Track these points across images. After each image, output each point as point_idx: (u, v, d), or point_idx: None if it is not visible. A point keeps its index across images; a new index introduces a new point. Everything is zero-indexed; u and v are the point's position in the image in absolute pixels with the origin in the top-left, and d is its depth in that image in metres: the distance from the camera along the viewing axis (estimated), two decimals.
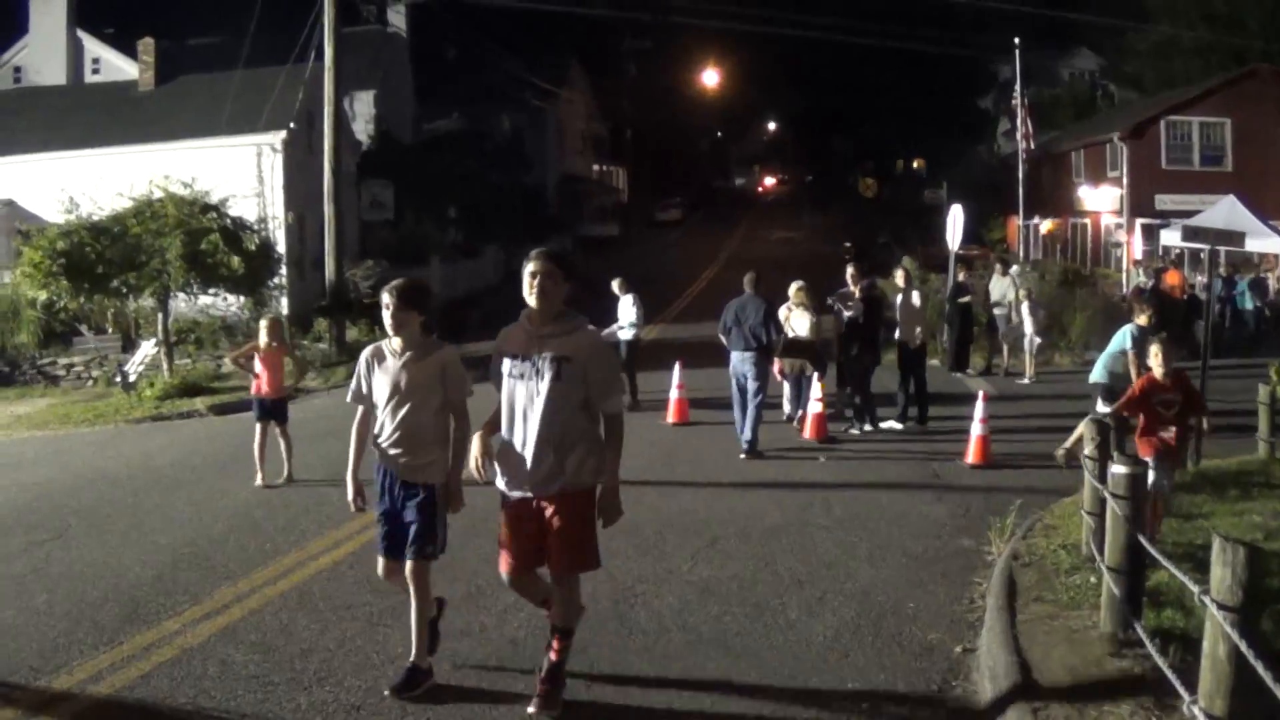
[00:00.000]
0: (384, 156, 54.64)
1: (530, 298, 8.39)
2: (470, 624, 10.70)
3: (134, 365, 34.37)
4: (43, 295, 34.08)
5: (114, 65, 52.25)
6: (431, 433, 9.07)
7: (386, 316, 8.99)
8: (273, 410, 18.35)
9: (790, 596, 11.34)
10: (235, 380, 32.79)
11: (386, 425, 9.05)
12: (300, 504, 16.61)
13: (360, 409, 9.34)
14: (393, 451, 9.06)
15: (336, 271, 37.41)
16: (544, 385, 8.28)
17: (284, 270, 37.13)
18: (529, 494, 8.37)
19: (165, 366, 33.73)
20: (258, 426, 18.29)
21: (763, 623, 10.57)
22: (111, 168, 38.44)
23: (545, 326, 8.42)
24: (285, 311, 37.95)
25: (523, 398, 8.38)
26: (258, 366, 18.23)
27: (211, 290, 34.64)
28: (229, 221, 34.21)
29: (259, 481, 17.99)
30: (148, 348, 36.16)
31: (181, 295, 34.66)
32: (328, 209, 36.64)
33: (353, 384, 9.33)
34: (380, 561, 9.25)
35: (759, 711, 8.61)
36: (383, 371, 9.13)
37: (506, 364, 8.52)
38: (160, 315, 34.32)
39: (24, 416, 31.02)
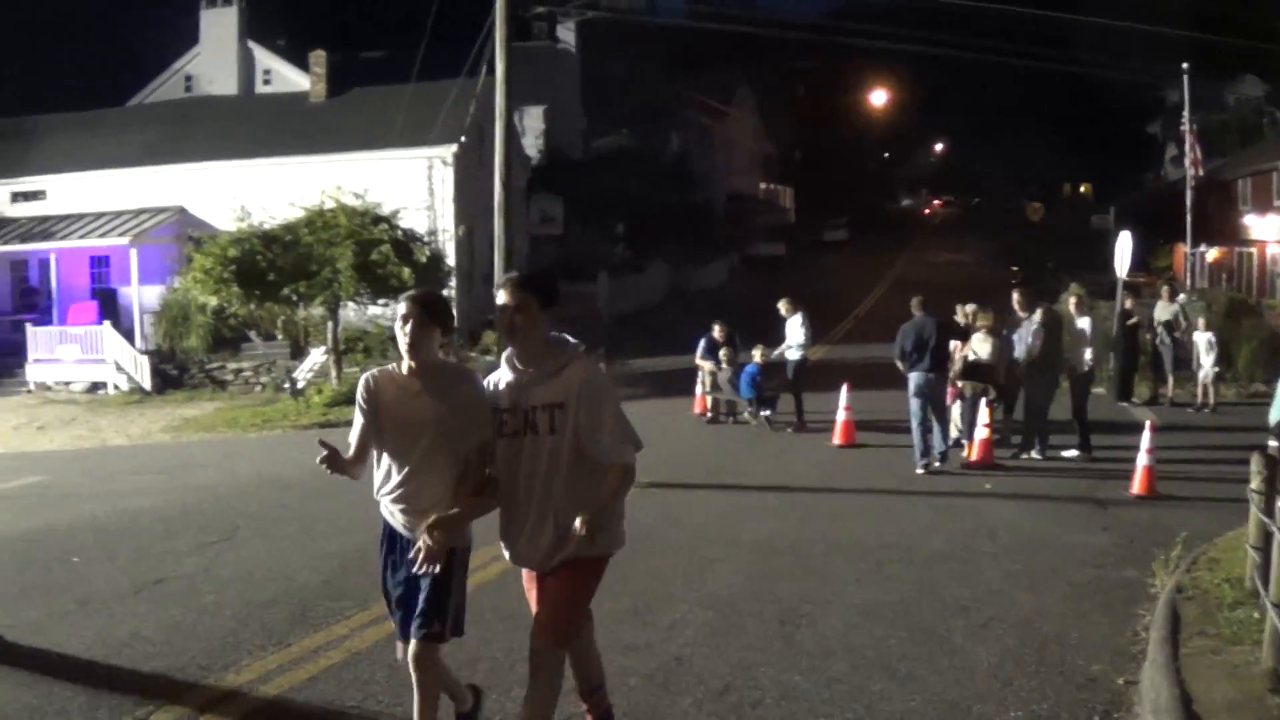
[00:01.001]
0: (553, 172, 54.77)
1: (507, 336, 7.10)
2: (636, 639, 10.59)
3: (303, 372, 34.73)
4: (213, 301, 34.64)
5: (285, 77, 53.04)
6: (446, 482, 7.34)
7: (402, 332, 7.22)
8: None
9: (955, 622, 11.13)
10: None
11: (392, 473, 7.37)
12: None
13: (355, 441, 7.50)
14: (399, 507, 7.44)
15: None
16: (538, 442, 7.03)
17: (453, 283, 37.33)
18: (539, 570, 7.33)
19: (334, 374, 34.10)
20: None
21: (927, 648, 10.35)
22: (282, 177, 39.06)
23: (529, 368, 7.15)
24: (454, 324, 37.64)
25: (517, 460, 7.11)
26: None
27: (381, 300, 34.85)
28: (400, 233, 34.52)
29: None
30: (317, 355, 36.69)
31: (351, 305, 34.98)
32: (498, 223, 36.34)
33: (355, 419, 7.47)
34: (399, 646, 7.68)
35: None
36: (389, 404, 7.40)
37: (499, 420, 7.19)
38: (330, 324, 34.70)
39: (192, 419, 31.66)
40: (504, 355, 7.22)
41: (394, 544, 7.56)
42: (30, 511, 18.16)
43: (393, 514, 7.44)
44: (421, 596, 7.29)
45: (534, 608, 7.45)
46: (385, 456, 7.35)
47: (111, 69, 57.04)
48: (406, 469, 7.28)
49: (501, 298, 6.99)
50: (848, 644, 10.41)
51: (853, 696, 9.07)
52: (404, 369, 7.32)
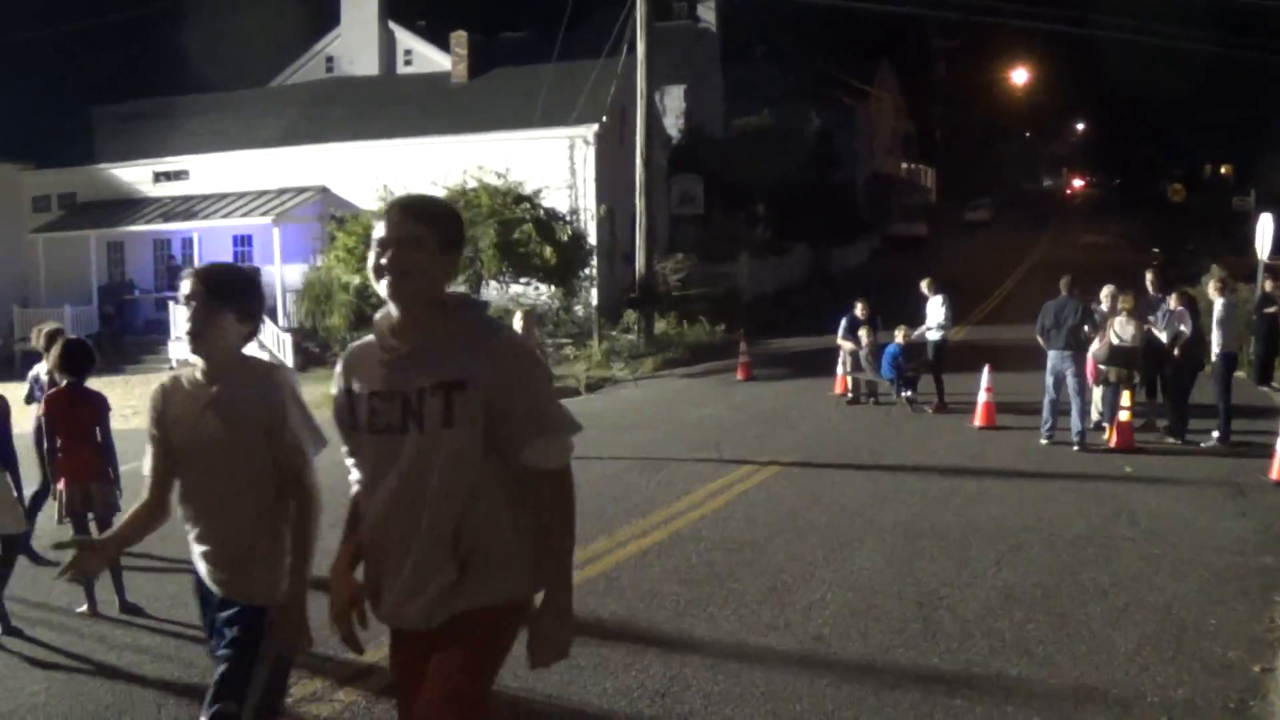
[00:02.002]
0: (694, 152, 54.37)
1: (381, 285, 4.77)
2: (776, 619, 10.64)
3: None
4: (355, 279, 34.73)
5: (426, 57, 53.20)
6: (254, 522, 5.64)
7: (183, 317, 5.56)
8: None
9: (1093, 607, 10.99)
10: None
11: (187, 506, 5.69)
12: (609, 491, 16.67)
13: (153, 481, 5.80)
14: (199, 549, 5.70)
15: (647, 265, 37.25)
16: (423, 439, 4.73)
17: (595, 262, 37.29)
18: (419, 628, 4.88)
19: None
20: None
21: (1065, 632, 10.26)
22: (423, 157, 39.24)
23: (416, 335, 4.81)
24: (595, 303, 38.08)
25: (390, 465, 4.83)
26: None
27: (523, 279, 34.97)
28: (542, 212, 34.55)
29: None
30: None
31: (494, 283, 34.99)
32: (639, 203, 36.51)
33: (147, 445, 5.80)
34: None
35: (1059, 714, 8.46)
36: (176, 420, 5.68)
37: (360, 409, 4.93)
38: None
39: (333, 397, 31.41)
40: (376, 320, 4.90)
41: (206, 603, 5.84)
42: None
43: (198, 564, 5.73)
44: (218, 670, 5.51)
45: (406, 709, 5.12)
46: (181, 482, 5.68)
47: (253, 51, 57.63)
48: (204, 502, 5.63)
49: (380, 230, 4.75)
50: (986, 627, 10.40)
51: (991, 680, 9.11)
52: (197, 372, 5.66)
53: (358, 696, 9.08)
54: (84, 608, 11.19)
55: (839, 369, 26.59)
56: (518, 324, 19.03)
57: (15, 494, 11.02)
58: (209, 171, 45.90)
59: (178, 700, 9.07)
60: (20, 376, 39.23)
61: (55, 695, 9.31)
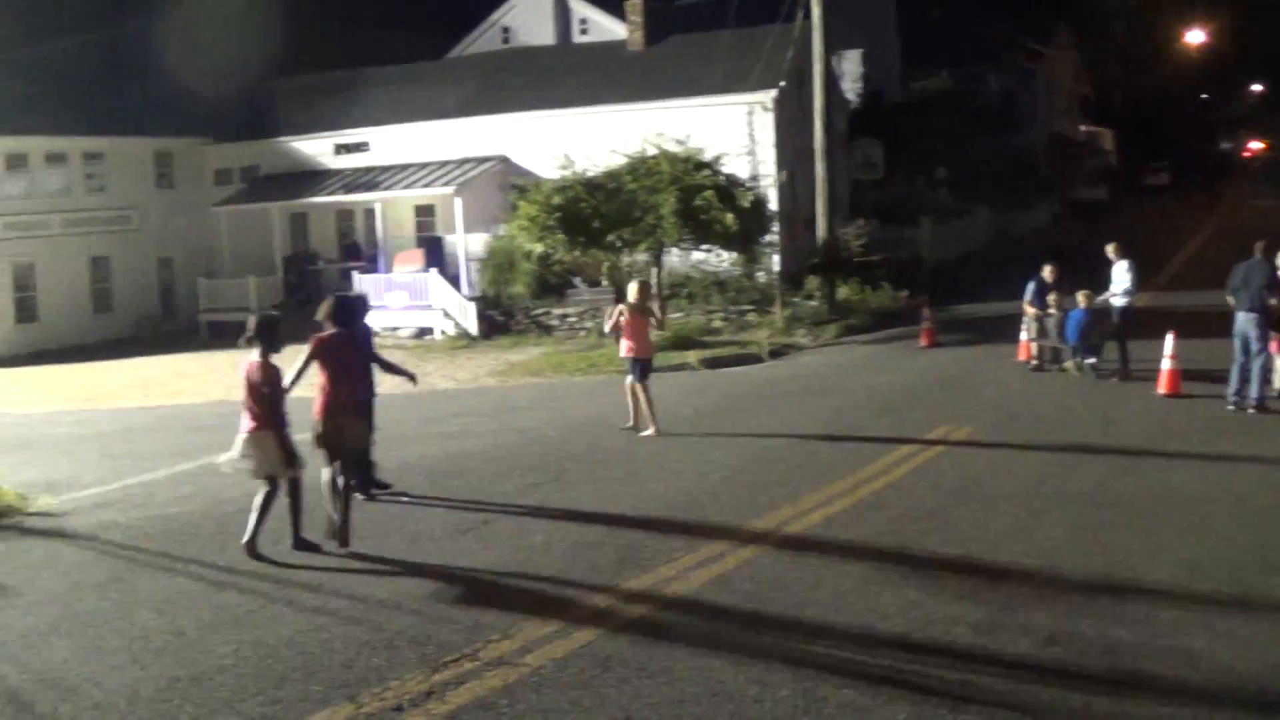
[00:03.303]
0: (872, 116, 54.06)
1: None
2: (963, 588, 10.90)
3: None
4: (538, 248, 35.33)
5: (602, 26, 53.26)
6: None
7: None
8: (648, 366, 19.87)
9: (1278, 579, 10.90)
10: (726, 335, 33.77)
11: None
12: (792, 459, 17.03)
13: None
14: None
15: (828, 230, 36.95)
16: None
17: (776, 228, 37.10)
18: None
19: (658, 320, 33.74)
20: (631, 382, 19.73)
21: (1249, 606, 10.25)
22: (601, 126, 39.51)
23: None
24: (777, 269, 37.98)
25: None
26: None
27: (704, 246, 35.10)
28: (722, 179, 34.44)
29: (642, 429, 19.58)
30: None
31: (675, 250, 35.28)
32: (819, 167, 36.33)
33: None
34: None
35: (1242, 687, 8.52)
36: None
37: None
38: (654, 269, 34.83)
39: (518, 364, 32.49)
40: None
41: None
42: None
43: None
44: None
45: None
46: None
47: (430, 22, 58.14)
48: None
49: None
50: (1171, 599, 10.44)
51: (1174, 652, 9.13)
52: None
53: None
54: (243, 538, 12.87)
55: (1023, 334, 26.21)
56: (632, 294, 19.80)
57: (285, 447, 12.83)
58: (389, 143, 46.62)
59: (366, 664, 9.47)
60: (206, 347, 40.73)
61: (243, 658, 9.79)
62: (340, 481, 13.15)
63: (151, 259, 49.70)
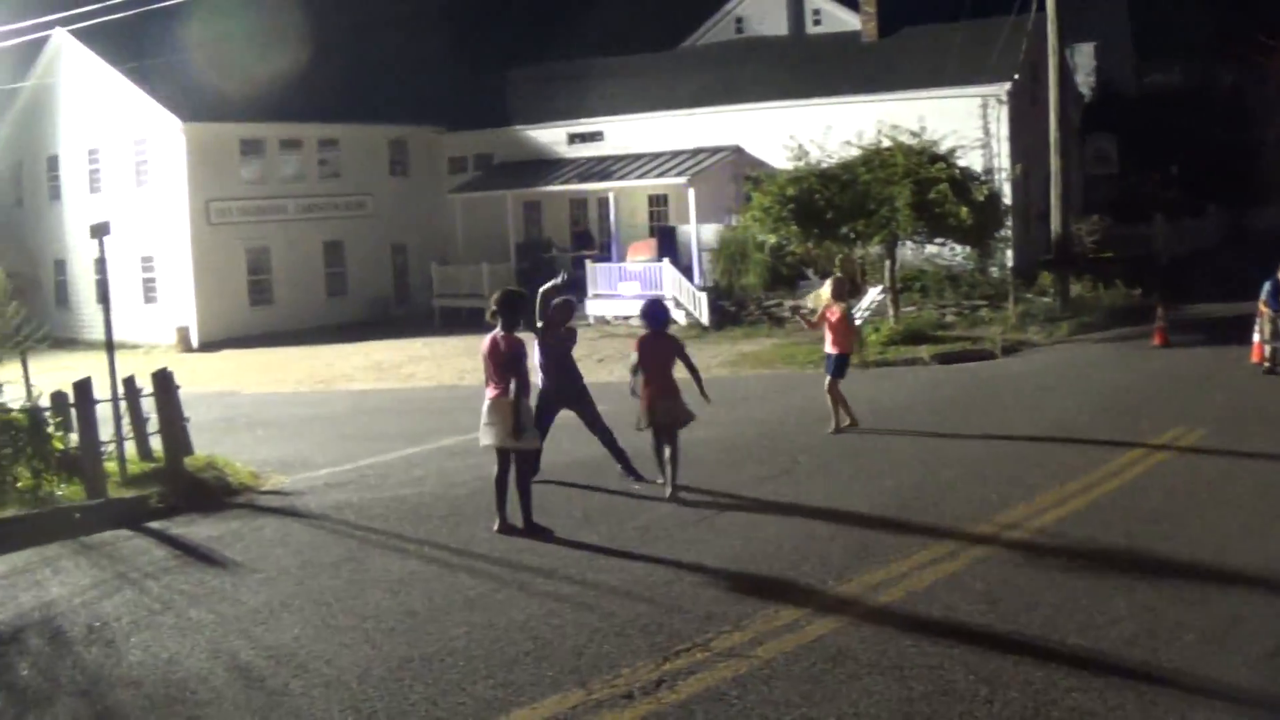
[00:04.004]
0: (1105, 110, 53.81)
1: None
2: (1193, 593, 10.80)
3: (860, 310, 35.16)
4: (771, 239, 36.07)
5: (835, 16, 53.52)
6: None
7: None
8: (847, 361, 20.03)
9: None
10: (958, 330, 33.88)
11: None
12: (1028, 458, 16.97)
13: None
14: None
15: (1062, 225, 36.89)
16: None
17: (1009, 223, 37.07)
18: None
19: (891, 313, 34.61)
20: (830, 380, 19.70)
21: None
22: (836, 117, 39.58)
23: None
24: (1010, 264, 38.21)
25: None
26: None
27: (938, 240, 35.20)
28: (957, 172, 34.45)
29: (830, 429, 19.60)
30: (873, 294, 37.34)
31: (908, 244, 35.49)
32: (1054, 162, 36.42)
33: None
34: None
35: None
36: None
37: None
38: (887, 262, 35.19)
39: (750, 354, 33.00)
40: None
41: None
42: (590, 440, 19.04)
43: None
44: None
45: None
46: None
47: (663, 13, 58.79)
48: None
49: None
50: None
51: None
52: None
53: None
54: (496, 525, 13.87)
55: (1255, 336, 25.72)
56: (826, 289, 20.13)
57: (519, 418, 13.54)
58: (623, 133, 47.63)
59: (597, 651, 9.71)
60: (439, 332, 41.92)
61: (475, 640, 10.15)
62: (668, 452, 15.36)
63: (385, 245, 51.72)
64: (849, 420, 19.61)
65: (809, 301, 35.22)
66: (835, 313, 19.72)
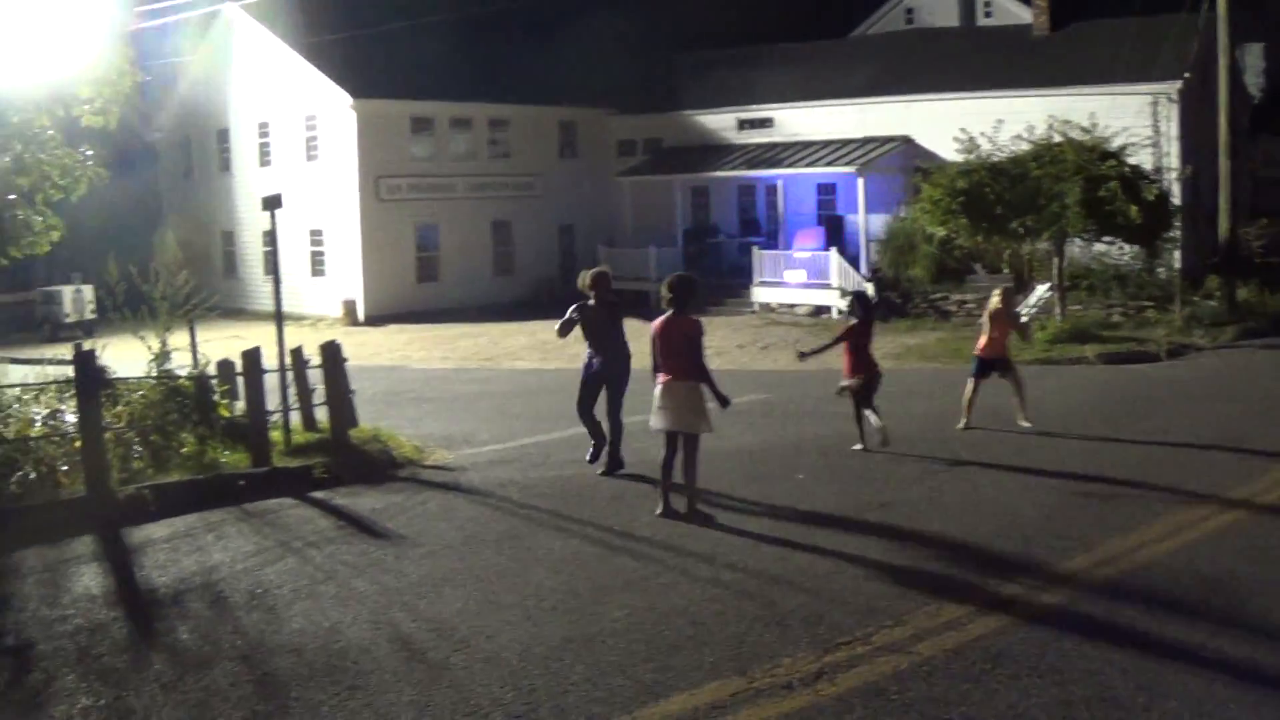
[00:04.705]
0: (1273, 111, 53.95)
1: None
2: None
3: (1026, 307, 35.94)
4: (940, 231, 36.69)
5: (1005, 9, 54.51)
6: None
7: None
8: (991, 366, 20.17)
9: None
10: (1125, 330, 34.07)
11: None
12: (1190, 465, 16.77)
13: None
14: None
15: (1230, 228, 36.99)
16: None
17: (1178, 224, 37.24)
18: None
19: (1057, 310, 35.20)
20: (970, 380, 20.09)
21: None
22: (1006, 110, 39.73)
23: None
24: (1178, 266, 38.45)
25: None
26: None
27: (1106, 238, 35.66)
28: (1128, 170, 34.81)
29: (959, 425, 19.88)
30: (1041, 291, 37.83)
31: (1077, 241, 35.92)
32: (1223, 164, 36.56)
33: None
34: None
35: None
36: None
37: None
38: (1055, 260, 35.71)
39: (914, 348, 33.86)
40: None
41: None
42: (755, 428, 19.98)
43: None
44: None
45: None
46: None
47: (834, 1, 59.91)
48: None
49: None
50: None
51: None
52: None
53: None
54: (659, 509, 14.36)
55: None
56: (995, 300, 20.39)
57: (700, 400, 14.19)
58: (792, 120, 48.76)
59: (757, 640, 9.90)
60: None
61: (635, 623, 10.39)
62: (873, 417, 17.99)
63: (552, 225, 53.38)
64: (964, 420, 19.89)
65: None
66: (999, 319, 20.11)
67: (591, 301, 17.05)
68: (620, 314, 17.40)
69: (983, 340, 20.32)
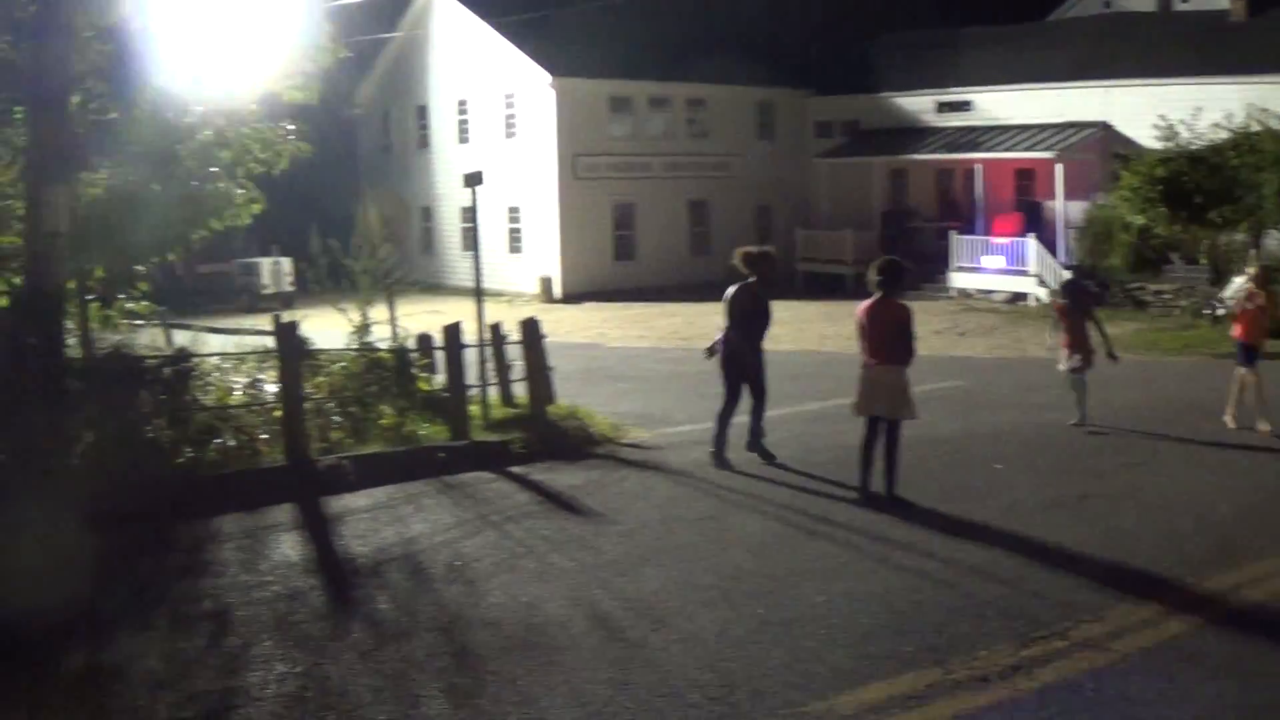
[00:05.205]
0: None
1: None
2: None
3: (1225, 299, 35.40)
4: (1139, 220, 37.19)
5: None
6: None
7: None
8: (1245, 353, 19.36)
9: None
10: None
11: None
12: None
13: None
14: None
15: None
16: None
17: None
18: None
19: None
20: (1243, 370, 19.31)
21: None
22: (1203, 97, 39.53)
23: None
24: None
25: None
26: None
27: None
28: None
29: (1226, 420, 19.38)
30: (1239, 283, 36.92)
31: (1274, 232, 35.94)
32: None
33: None
34: None
35: None
36: None
37: None
38: (1251, 251, 35.19)
39: (1113, 338, 33.08)
40: None
41: None
42: (952, 415, 20.10)
43: None
44: None
45: None
46: None
47: None
48: None
49: None
50: None
51: None
52: None
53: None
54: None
55: None
56: (1241, 279, 20.90)
57: (908, 385, 14.60)
58: (990, 104, 49.00)
59: (955, 631, 9.96)
60: (801, 297, 43.74)
61: (833, 609, 10.50)
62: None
63: (749, 206, 54.16)
64: (1229, 415, 19.39)
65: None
66: (1256, 299, 19.37)
67: (751, 281, 17.06)
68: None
69: (1241, 326, 19.59)
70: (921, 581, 11.26)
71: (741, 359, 17.00)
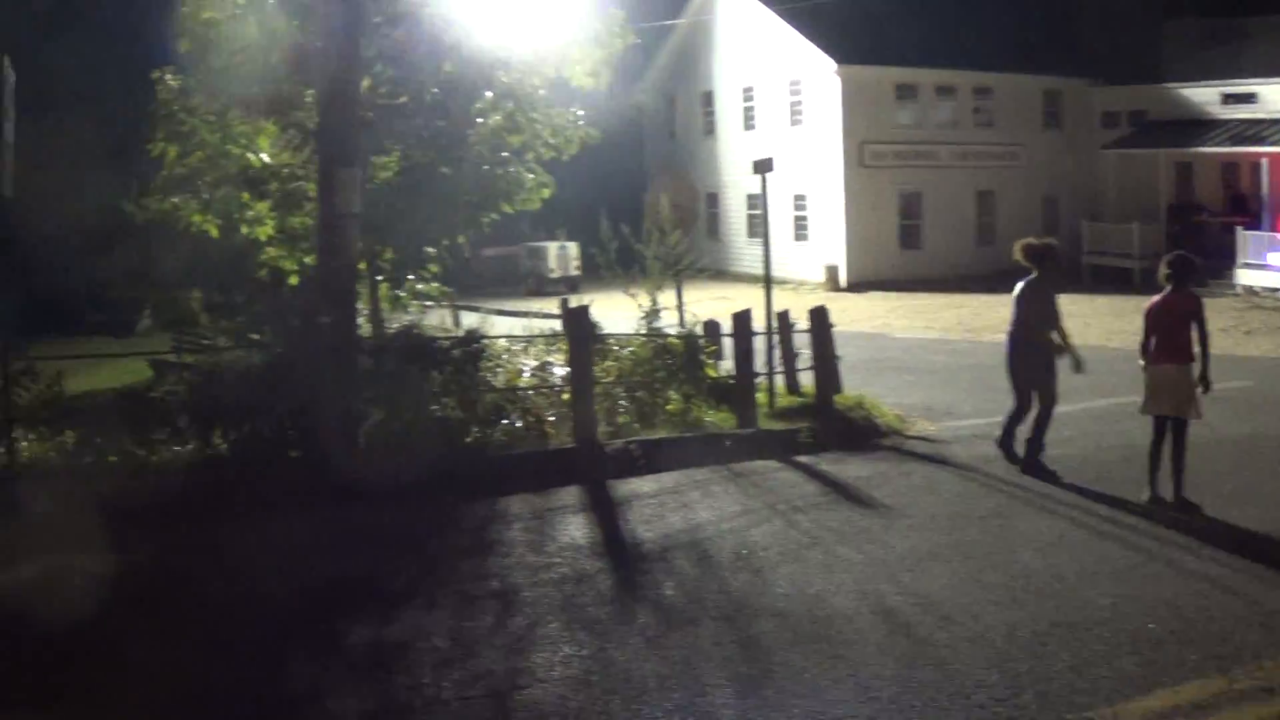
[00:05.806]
0: None
1: None
2: None
3: None
4: None
5: None
6: None
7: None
8: None
9: None
10: None
11: None
12: None
13: None
14: None
15: None
16: None
17: None
18: None
19: None
20: None
21: None
22: None
23: None
24: None
25: None
26: None
27: None
28: None
29: None
30: None
31: None
32: None
33: None
34: None
35: None
36: None
37: None
38: None
39: None
40: None
41: None
42: (1239, 417, 19.63)
43: None
44: None
45: None
46: None
47: None
48: None
49: None
50: None
51: None
52: None
53: None
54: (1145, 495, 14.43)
55: None
56: None
57: (1197, 386, 14.26)
58: (1277, 96, 47.99)
59: (1241, 639, 9.69)
60: (1088, 290, 44.23)
61: (1120, 613, 10.28)
62: None
63: (1036, 197, 55.29)
64: None
65: None
66: None
67: (1035, 276, 16.28)
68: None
69: None
70: (1209, 587, 11.06)
71: (1030, 362, 16.27)
